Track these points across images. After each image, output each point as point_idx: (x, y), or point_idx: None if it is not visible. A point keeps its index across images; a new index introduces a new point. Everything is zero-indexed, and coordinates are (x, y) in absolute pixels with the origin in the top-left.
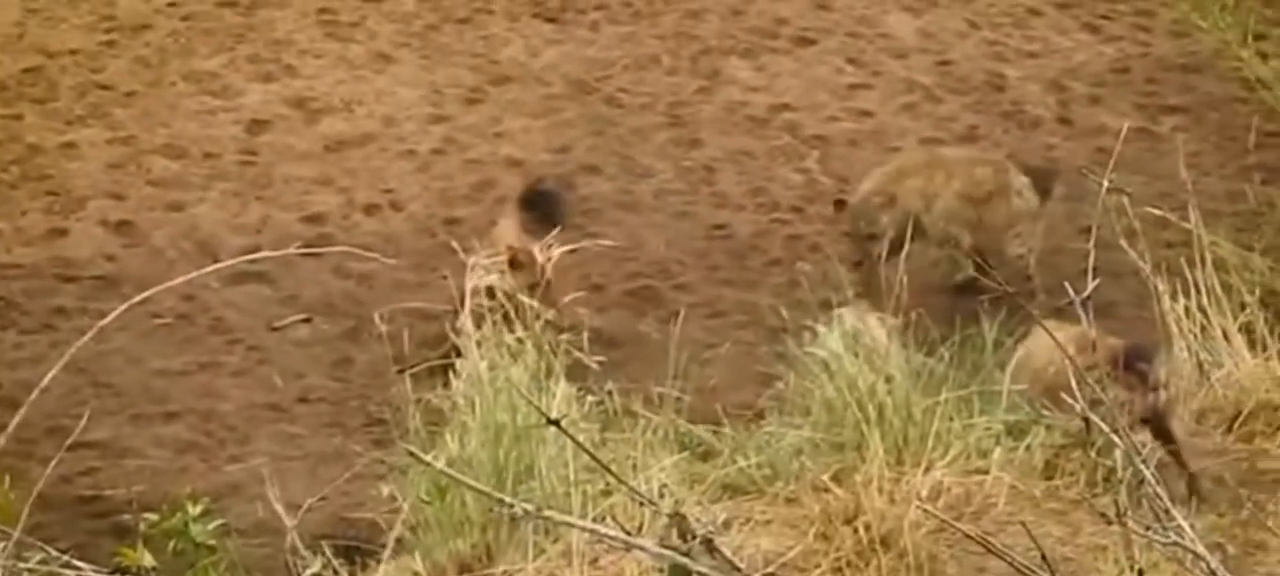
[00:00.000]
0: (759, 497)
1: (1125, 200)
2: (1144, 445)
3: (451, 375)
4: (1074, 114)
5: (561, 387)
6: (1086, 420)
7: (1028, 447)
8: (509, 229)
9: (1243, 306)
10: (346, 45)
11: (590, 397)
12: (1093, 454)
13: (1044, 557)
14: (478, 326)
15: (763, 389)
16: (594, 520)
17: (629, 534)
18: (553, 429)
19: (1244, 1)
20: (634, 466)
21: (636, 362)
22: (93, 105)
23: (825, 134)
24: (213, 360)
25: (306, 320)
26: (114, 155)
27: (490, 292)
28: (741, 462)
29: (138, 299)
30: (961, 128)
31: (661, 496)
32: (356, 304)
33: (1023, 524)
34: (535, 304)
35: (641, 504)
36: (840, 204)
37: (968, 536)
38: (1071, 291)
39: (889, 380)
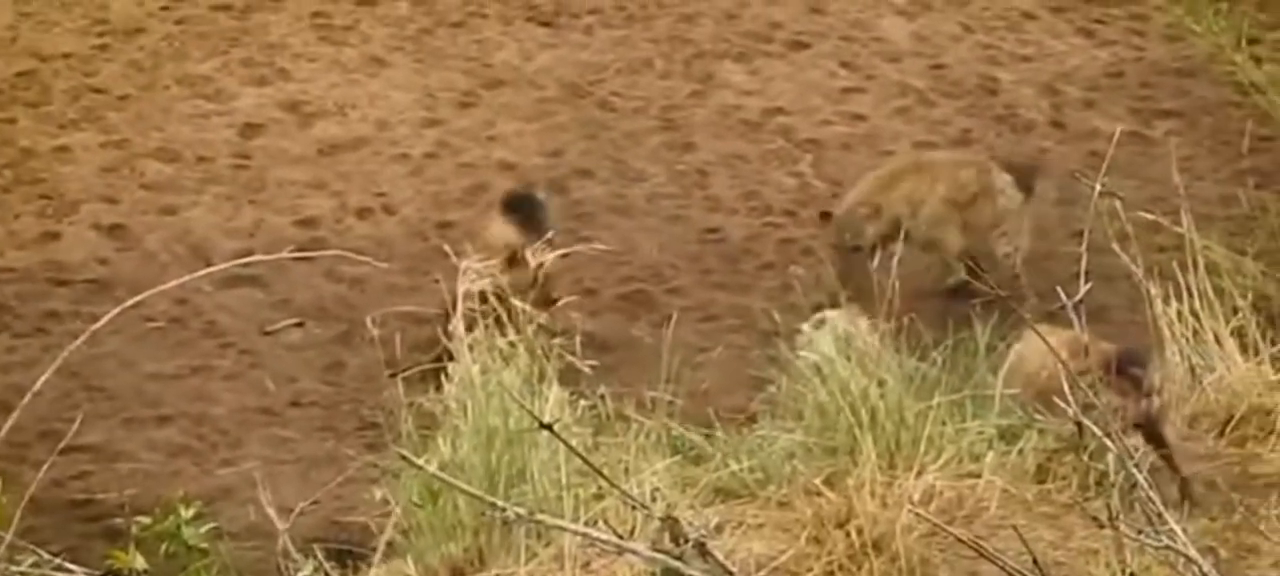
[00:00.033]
0: (751, 501)
1: (1118, 204)
2: (1136, 449)
3: (443, 379)
4: (1067, 118)
5: (554, 391)
6: (1079, 424)
7: (1020, 452)
8: (503, 230)
9: (1235, 310)
10: (340, 49)
11: (582, 401)
12: (1085, 458)
13: (1036, 561)
14: (469, 330)
15: (755, 392)
16: (586, 524)
17: (621, 538)
18: (545, 433)
19: (1238, 6)
20: (626, 470)
21: (629, 366)
22: (86, 109)
23: (818, 138)
24: (205, 364)
25: (299, 324)
26: (107, 159)
27: (483, 297)
28: (734, 466)
29: (130, 302)
30: (955, 131)
31: (654, 500)
32: (349, 307)
33: (1015, 528)
34: (527, 307)
35: (634, 507)
36: (826, 216)
37: (960, 540)
38: (1063, 295)
39: (881, 384)
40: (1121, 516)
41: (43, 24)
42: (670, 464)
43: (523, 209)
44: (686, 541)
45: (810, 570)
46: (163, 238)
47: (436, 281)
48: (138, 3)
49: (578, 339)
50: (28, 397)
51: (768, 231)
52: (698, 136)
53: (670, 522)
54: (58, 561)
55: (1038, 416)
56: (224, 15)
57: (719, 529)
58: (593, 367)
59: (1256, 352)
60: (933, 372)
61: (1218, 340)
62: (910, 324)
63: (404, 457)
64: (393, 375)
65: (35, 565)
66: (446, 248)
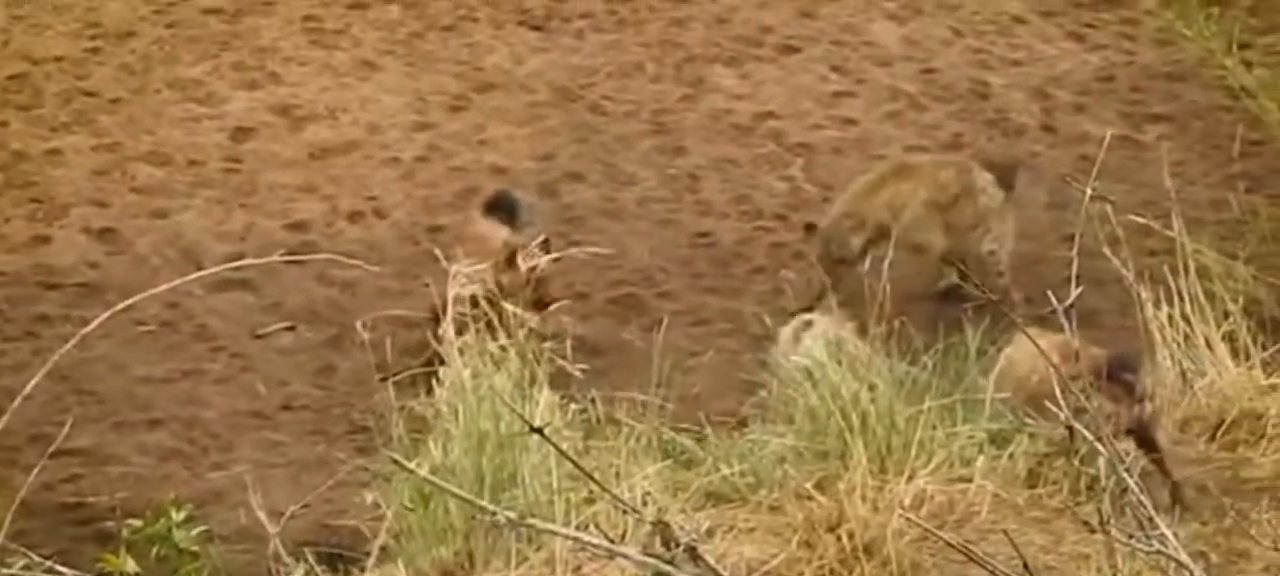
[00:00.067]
0: (742, 505)
1: (1109, 208)
2: (1127, 453)
3: (434, 382)
4: (1058, 122)
5: (545, 395)
6: (1070, 428)
7: (1011, 456)
8: (498, 230)
9: (1226, 315)
10: (331, 53)
11: (573, 405)
12: (1076, 462)
13: (1026, 566)
14: (459, 333)
15: (746, 396)
16: (577, 528)
17: (612, 542)
18: (536, 436)
19: (1229, 11)
20: (617, 474)
21: (620, 370)
22: (77, 112)
23: (809, 142)
24: (196, 367)
25: (290, 327)
26: (98, 162)
27: (474, 302)
28: (725, 470)
29: (121, 306)
30: (946, 136)
31: (645, 504)
32: (340, 311)
33: (1005, 532)
34: (519, 311)
35: (625, 512)
36: (810, 227)
37: (950, 545)
38: (1054, 299)
39: (872, 388)
40: (1112, 521)
41: (35, 27)
42: (661, 468)
43: (505, 210)
44: (677, 545)
45: (801, 574)
46: (153, 241)
47: (427, 285)
48: (129, 6)
49: (568, 343)
50: (18, 401)
51: (758, 235)
52: (689, 140)
53: (661, 526)
54: (49, 564)
55: (1028, 421)
56: (215, 19)
57: (710, 533)
58: (583, 371)
59: (1247, 357)
60: (923, 377)
61: (1209, 344)
62: (901, 328)
63: (395, 461)
64: (383, 379)
65: (26, 568)
66: (437, 251)
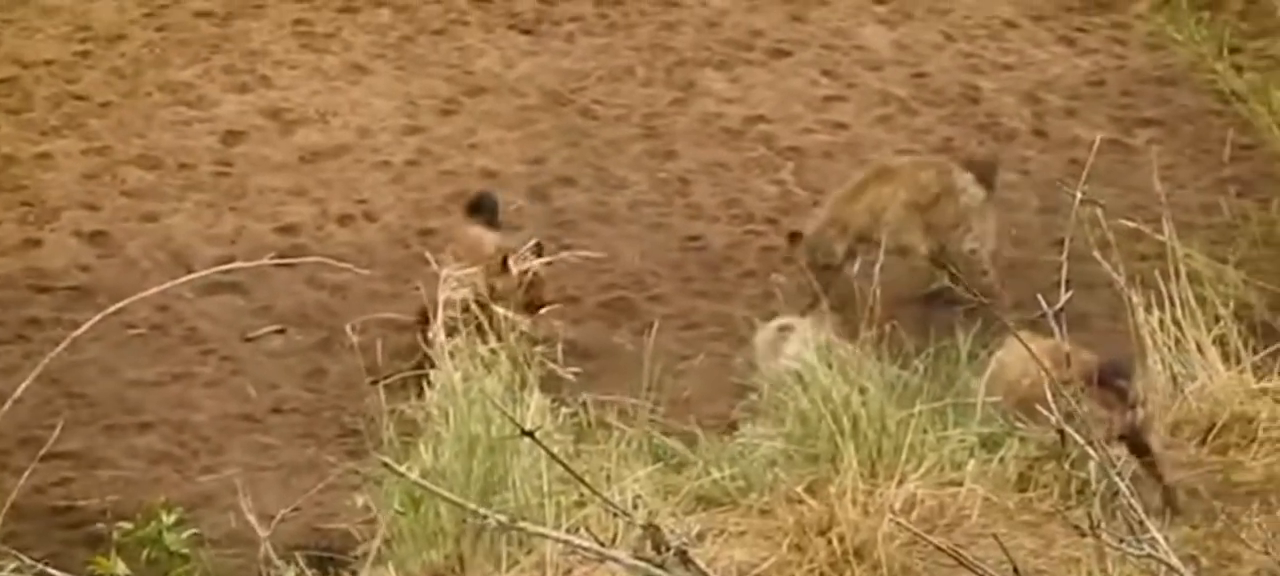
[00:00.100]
0: (733, 509)
1: (1099, 212)
2: (1118, 457)
3: (425, 386)
4: (1049, 126)
5: (535, 399)
6: (1061, 432)
7: (1002, 460)
8: (487, 236)
9: (1217, 319)
10: (322, 56)
11: (564, 409)
12: (1067, 466)
13: (1016, 570)
14: (449, 336)
15: (737, 400)
16: (568, 531)
17: (603, 545)
18: (527, 440)
19: (1219, 15)
20: (608, 477)
21: (610, 374)
22: (68, 115)
23: (800, 146)
24: (186, 371)
25: (280, 331)
26: (89, 166)
27: (465, 307)
28: (715, 474)
29: (112, 309)
30: (936, 140)
31: (635, 507)
32: (330, 314)
33: (996, 536)
34: (511, 314)
35: (615, 515)
36: (795, 236)
37: (941, 549)
38: (1044, 303)
39: (863, 392)
40: (1103, 524)
41: (25, 31)
42: (652, 471)
43: (488, 212)
44: (668, 549)
45: None
46: (144, 244)
47: (417, 288)
48: (119, 10)
49: (559, 346)
50: (9, 404)
51: (749, 239)
52: (679, 144)
53: (652, 530)
54: (40, 568)
55: (1019, 425)
56: (206, 22)
57: (700, 536)
58: (574, 375)
59: (1238, 361)
60: (914, 380)
61: (1199, 348)
62: (892, 331)
63: (385, 464)
64: (374, 382)
65: (17, 571)
66: (428, 255)
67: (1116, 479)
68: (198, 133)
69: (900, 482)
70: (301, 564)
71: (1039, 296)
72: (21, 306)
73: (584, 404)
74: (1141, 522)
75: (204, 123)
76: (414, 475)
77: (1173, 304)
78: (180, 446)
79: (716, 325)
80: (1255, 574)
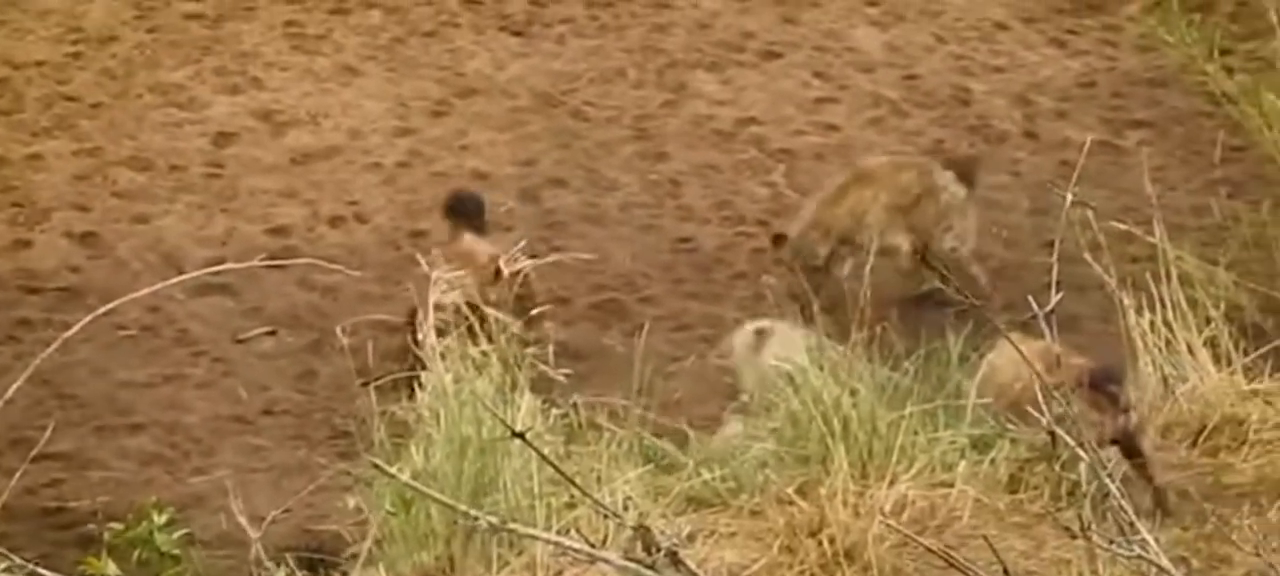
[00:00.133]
0: (723, 510)
1: (1090, 214)
2: (1109, 459)
3: (416, 387)
4: (1040, 128)
5: (526, 400)
6: (1052, 434)
7: (992, 461)
8: (477, 243)
9: (1207, 321)
10: (313, 58)
11: (555, 410)
12: (1057, 468)
13: (1007, 572)
14: (440, 338)
15: (727, 402)
16: (558, 532)
17: (593, 546)
18: (517, 441)
19: (1210, 17)
20: (598, 479)
21: (601, 375)
22: (59, 117)
23: (791, 148)
24: (177, 372)
25: (271, 332)
26: (80, 167)
27: (456, 310)
28: (706, 475)
29: (102, 310)
30: (927, 142)
31: (626, 509)
32: (321, 316)
33: (986, 538)
34: (501, 316)
35: (606, 516)
36: (779, 238)
37: (931, 550)
38: (1035, 305)
39: (854, 393)
40: (1094, 526)
41: (16, 32)
42: (642, 472)
43: (462, 212)
44: (658, 550)
45: None
46: (135, 246)
47: (408, 290)
48: (111, 11)
49: (551, 348)
50: None
51: (740, 241)
52: (670, 146)
53: (642, 531)
54: (31, 568)
55: (1010, 426)
56: (197, 24)
57: (691, 538)
58: (565, 376)
59: (1229, 363)
60: (905, 382)
61: (1190, 350)
62: (882, 333)
63: (376, 466)
64: (365, 383)
65: (8, 571)
66: (419, 256)
67: (1107, 480)
68: (189, 134)
69: (891, 484)
70: (292, 565)
71: (1030, 298)
72: (12, 307)
73: (575, 405)
74: (1132, 524)
75: (195, 124)
76: (405, 476)
77: (1164, 306)
78: (171, 447)
79: (707, 326)
80: (1246, 575)
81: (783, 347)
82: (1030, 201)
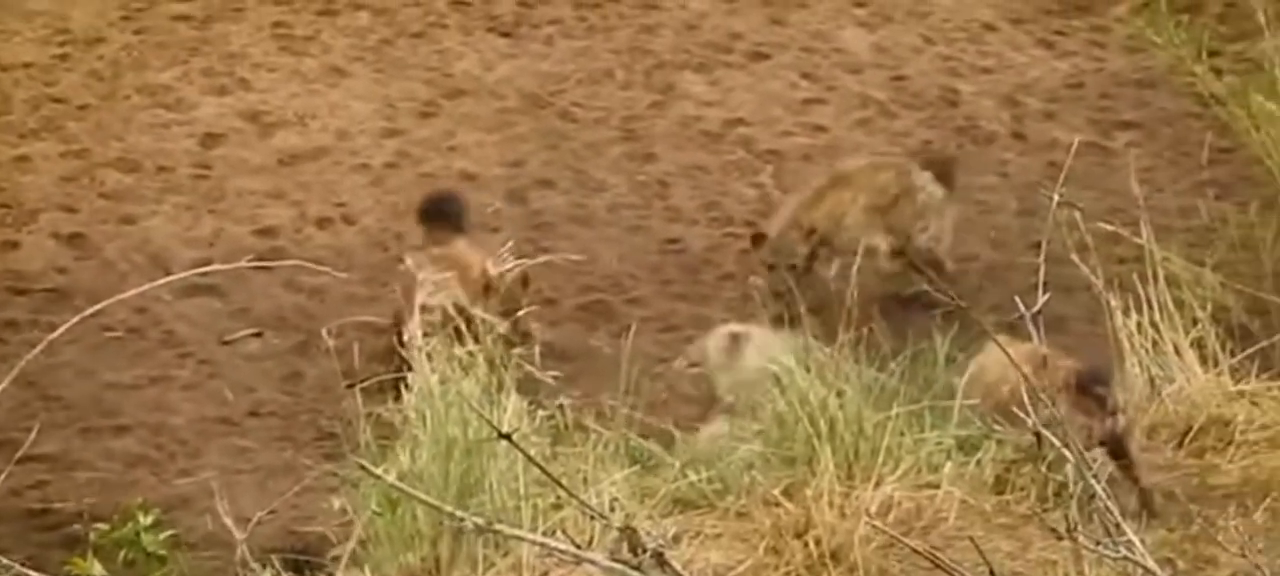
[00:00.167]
0: (710, 511)
1: (1077, 215)
2: (1095, 460)
3: (402, 388)
4: (1027, 129)
5: (512, 401)
6: (1037, 435)
7: (979, 463)
8: (467, 249)
9: (1194, 322)
10: (300, 59)
11: (541, 411)
12: (1044, 469)
13: (993, 573)
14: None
15: (714, 403)
16: (544, 533)
17: (579, 547)
18: (503, 442)
19: (1198, 18)
20: (585, 480)
21: (588, 376)
22: (46, 118)
23: (779, 149)
24: (163, 373)
25: (258, 334)
26: (67, 168)
27: (444, 314)
28: (692, 476)
29: (89, 312)
30: (915, 143)
31: (612, 510)
32: (308, 317)
33: (972, 539)
34: (487, 317)
35: (592, 517)
36: (759, 238)
37: (917, 551)
38: (1022, 306)
39: (840, 394)
40: (1080, 527)
41: (3, 33)
42: (629, 474)
43: (440, 213)
44: (644, 551)
45: None
46: (122, 247)
47: (395, 292)
48: (98, 12)
49: (537, 349)
50: None
51: (728, 242)
52: (658, 147)
53: (628, 532)
54: (17, 569)
55: (996, 427)
56: (184, 25)
57: (677, 539)
58: (552, 377)
59: (1216, 364)
60: (892, 383)
61: (1177, 351)
62: (869, 334)
63: (362, 467)
64: (351, 385)
65: None
66: (406, 257)
67: (1093, 482)
68: (176, 135)
69: (877, 485)
70: (278, 566)
71: (1017, 299)
72: None
73: (561, 406)
74: (1118, 525)
75: (182, 125)
76: (391, 477)
77: (1151, 307)
78: (157, 449)
79: (695, 328)
80: None
81: (760, 351)
82: (1018, 202)
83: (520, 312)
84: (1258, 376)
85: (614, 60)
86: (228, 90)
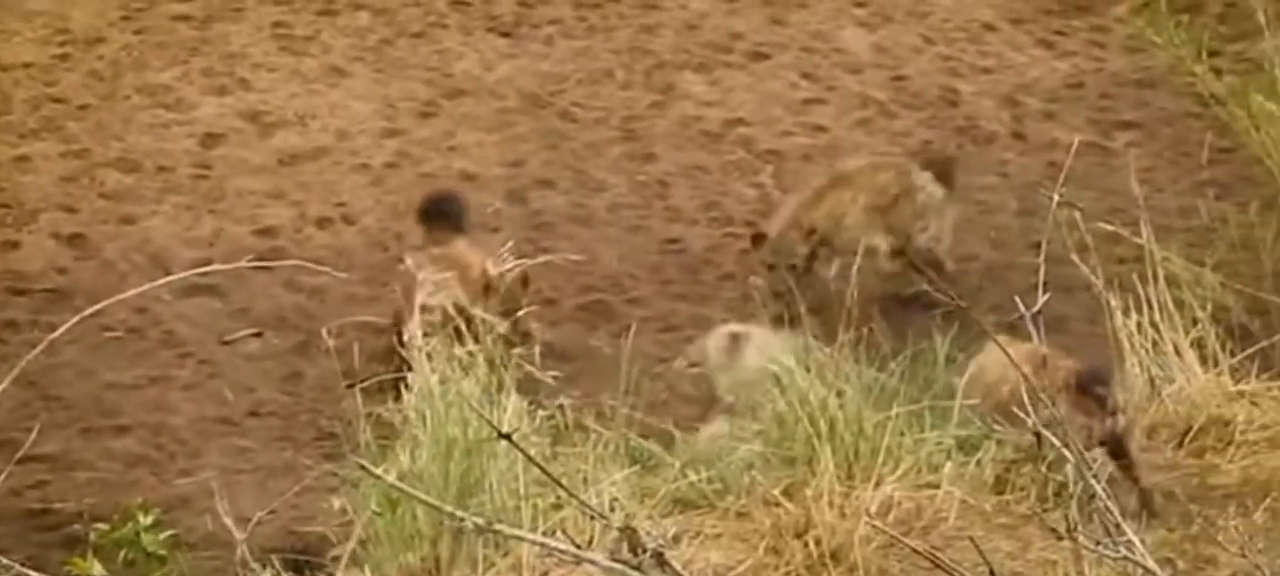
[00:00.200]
0: (710, 511)
1: (1077, 215)
2: (1095, 460)
3: (402, 388)
4: (1027, 129)
5: (512, 401)
6: (1037, 435)
7: (979, 462)
8: (466, 249)
9: (1194, 322)
10: (300, 59)
11: (541, 411)
12: (1044, 469)
13: (993, 573)
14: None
15: (714, 404)
16: (544, 533)
17: (579, 547)
18: (504, 442)
19: (1198, 18)
20: (585, 480)
21: (588, 376)
22: (46, 119)
23: (779, 149)
24: (164, 373)
25: (258, 334)
26: (67, 168)
27: (444, 314)
28: (692, 476)
29: (89, 312)
30: (915, 143)
31: (612, 510)
32: (308, 317)
33: (972, 539)
34: (487, 317)
35: (592, 517)
36: (759, 237)
37: (917, 551)
38: (1022, 306)
39: (840, 394)
40: (1080, 527)
41: (3, 33)
42: (629, 474)
43: (439, 213)
44: (645, 551)
45: None
46: (122, 247)
47: (395, 291)
48: (98, 13)
49: (537, 349)
50: None
51: (728, 242)
52: (658, 147)
53: (628, 532)
54: (18, 569)
55: (996, 427)
56: (184, 25)
57: (677, 539)
58: (552, 377)
59: (1216, 364)
60: (892, 383)
61: (1177, 351)
62: (869, 334)
63: (362, 467)
64: (351, 385)
65: None
66: (406, 256)
67: (1093, 482)
68: (176, 135)
69: (877, 485)
70: (278, 566)
71: (1017, 299)
72: None
73: (561, 406)
74: (1118, 525)
75: (182, 125)
76: (391, 477)
77: (1150, 307)
78: (157, 449)
79: (695, 328)
80: None
81: (761, 351)
82: (1018, 202)
83: (520, 312)
84: (1258, 376)
85: (614, 60)
86: (228, 90)
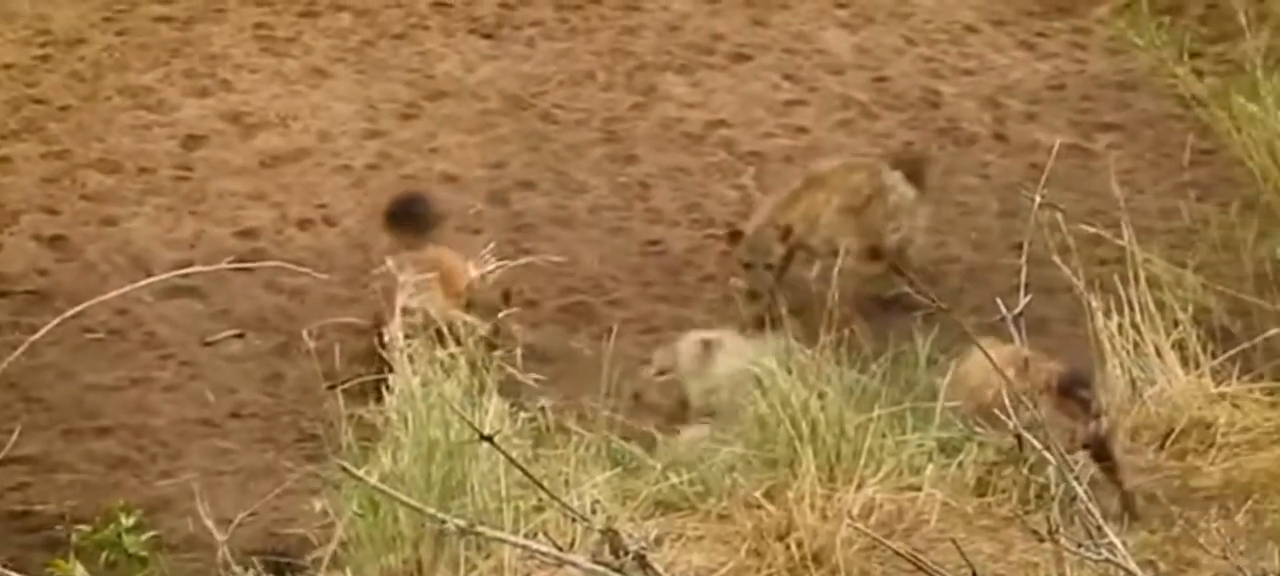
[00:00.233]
0: (691, 514)
1: (1059, 217)
2: (1077, 462)
3: (384, 390)
4: (1009, 131)
5: (494, 403)
6: (1019, 437)
7: (960, 465)
8: (450, 256)
9: (1176, 323)
10: (282, 60)
11: (523, 413)
12: (1025, 471)
13: (975, 575)
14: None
15: (684, 410)
16: (526, 536)
17: (561, 549)
18: (485, 444)
19: (1180, 19)
20: (566, 482)
21: (569, 378)
22: (27, 120)
23: (761, 150)
24: (145, 375)
25: (239, 335)
26: (48, 170)
27: (426, 317)
28: (674, 478)
29: (70, 313)
30: (897, 144)
31: (594, 512)
32: (289, 319)
33: (954, 541)
34: (469, 319)
35: (574, 520)
36: (735, 235)
37: (899, 554)
38: (1003, 307)
39: (822, 396)
40: (1061, 529)
41: None
42: (610, 476)
43: (407, 217)
44: (626, 553)
45: None
46: (103, 248)
47: (376, 293)
48: (79, 14)
49: (519, 351)
50: None
51: (709, 244)
52: (640, 148)
53: (610, 534)
54: None
55: (978, 429)
56: (166, 26)
57: (659, 541)
58: (533, 380)
59: (1197, 365)
60: (873, 385)
61: (1158, 353)
62: (850, 335)
63: (344, 469)
64: (332, 386)
65: None
66: (388, 259)
67: (1075, 484)
68: (157, 136)
69: (859, 487)
70: (259, 568)
71: (998, 300)
72: None
73: (543, 408)
74: (1100, 527)
75: (164, 126)
76: (372, 480)
77: (1132, 308)
78: (138, 450)
79: (676, 329)
80: None
81: (732, 358)
82: (999, 204)
83: (501, 314)
84: (1239, 378)
85: (596, 62)
86: (209, 92)
